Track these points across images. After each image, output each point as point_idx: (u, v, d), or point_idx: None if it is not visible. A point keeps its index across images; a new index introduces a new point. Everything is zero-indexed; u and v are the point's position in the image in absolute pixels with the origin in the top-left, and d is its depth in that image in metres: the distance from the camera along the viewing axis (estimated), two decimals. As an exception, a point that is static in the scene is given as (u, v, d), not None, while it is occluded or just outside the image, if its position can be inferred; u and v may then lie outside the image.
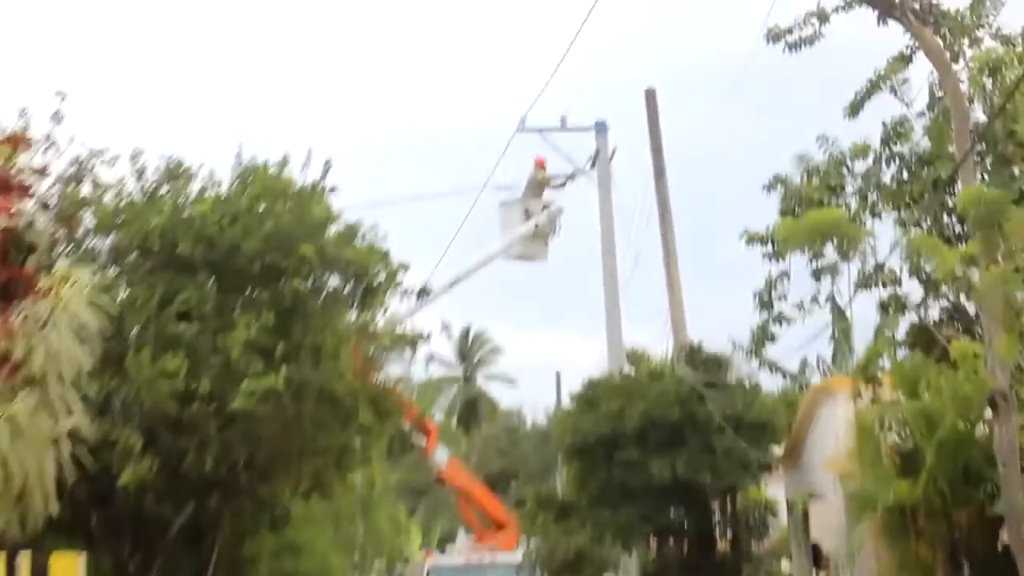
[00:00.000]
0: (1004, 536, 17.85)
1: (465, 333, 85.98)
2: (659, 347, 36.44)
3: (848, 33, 22.24)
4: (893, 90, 21.72)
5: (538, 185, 39.94)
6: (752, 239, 22.91)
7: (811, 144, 23.40)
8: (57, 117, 21.45)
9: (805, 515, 32.98)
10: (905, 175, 22.72)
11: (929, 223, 21.95)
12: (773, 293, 23.13)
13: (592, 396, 32.97)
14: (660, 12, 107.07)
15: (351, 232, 23.82)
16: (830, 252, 21.42)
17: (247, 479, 23.17)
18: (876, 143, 22.86)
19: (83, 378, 18.14)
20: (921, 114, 22.35)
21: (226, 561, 24.47)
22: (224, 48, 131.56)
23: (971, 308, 20.77)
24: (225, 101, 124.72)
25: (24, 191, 6.99)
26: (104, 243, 22.95)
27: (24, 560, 16.76)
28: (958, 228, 21.20)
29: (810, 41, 20.77)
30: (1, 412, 16.27)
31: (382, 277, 24.35)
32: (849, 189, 23.16)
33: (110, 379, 20.59)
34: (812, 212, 21.23)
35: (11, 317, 10.11)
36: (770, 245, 22.69)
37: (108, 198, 23.12)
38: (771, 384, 32.39)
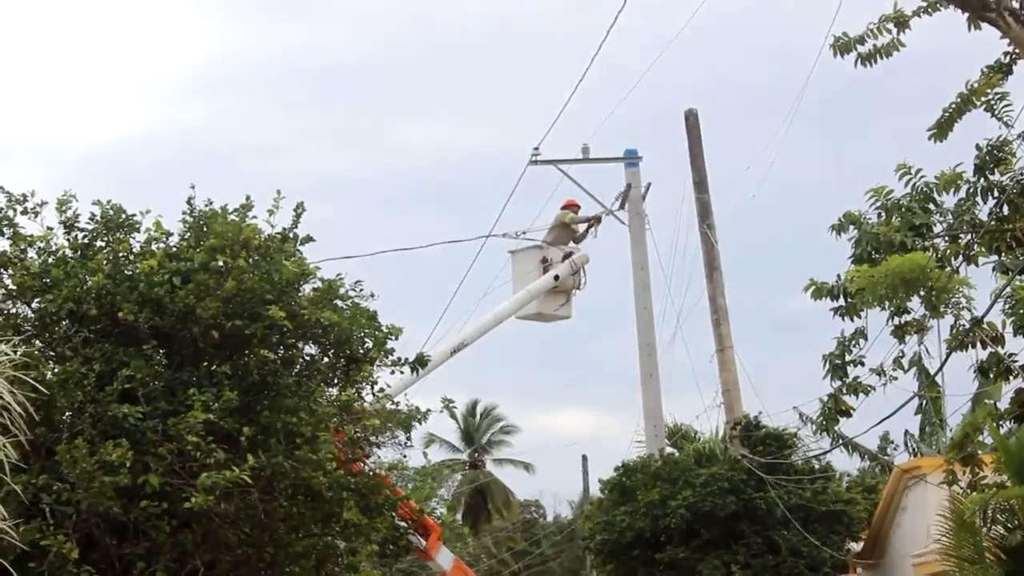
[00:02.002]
0: None
1: (471, 409, 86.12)
2: (707, 423, 36.46)
3: (929, 41, 22.18)
4: (989, 107, 21.56)
5: (564, 230, 39.79)
6: (819, 291, 22.74)
7: (889, 175, 23.28)
8: None
9: (890, 627, 32.83)
10: (1006, 210, 22.57)
11: (1038, 269, 21.81)
12: (847, 356, 22.94)
13: (627, 484, 33.02)
14: (694, 27, 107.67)
15: (330, 290, 23.80)
16: (916, 306, 21.33)
17: (208, 594, 23.06)
18: (969, 171, 22.71)
19: (6, 473, 17.98)
20: (1024, 135, 22.21)
21: None
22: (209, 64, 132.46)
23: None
24: (190, 129, 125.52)
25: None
26: (28, 309, 22.89)
27: None
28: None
29: (887, 51, 20.68)
30: (-94, 516, 16.16)
31: (369, 344, 24.33)
32: (937, 228, 23.02)
33: (39, 474, 20.49)
34: (893, 257, 21.08)
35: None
36: (842, 298, 22.52)
37: (32, 255, 23.08)
38: (846, 466, 32.31)
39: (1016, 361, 21.87)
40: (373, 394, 25.31)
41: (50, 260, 23.04)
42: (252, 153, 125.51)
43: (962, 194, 22.85)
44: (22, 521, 18.93)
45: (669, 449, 35.29)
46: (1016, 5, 19.69)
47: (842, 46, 20.90)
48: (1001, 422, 21.54)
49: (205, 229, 23.07)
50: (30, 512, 19.93)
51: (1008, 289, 21.04)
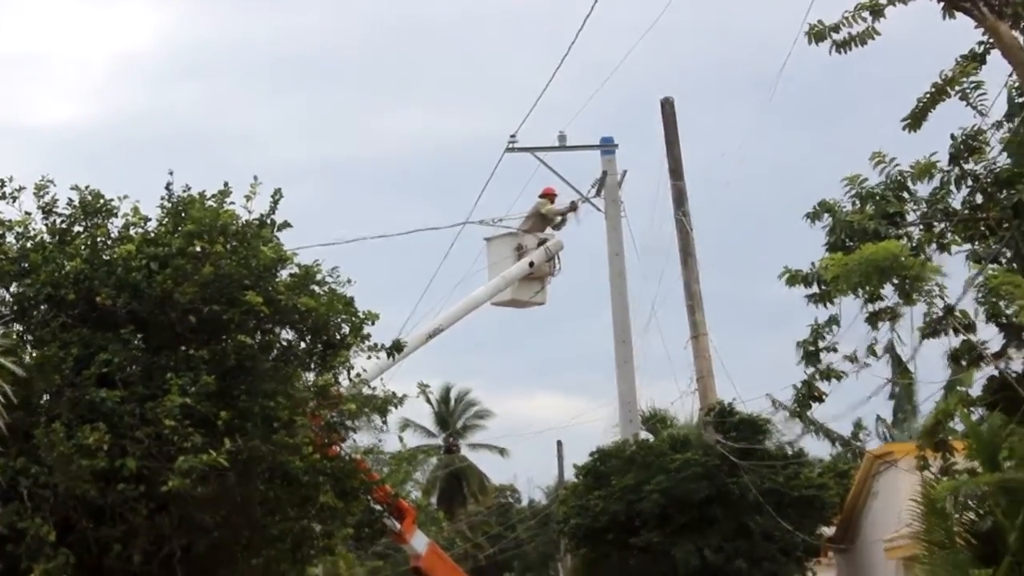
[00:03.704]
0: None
1: (446, 394, 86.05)
2: (682, 409, 36.53)
3: (903, 30, 22.20)
4: (963, 96, 21.61)
5: (541, 219, 39.84)
6: (794, 279, 22.78)
7: (863, 164, 23.32)
8: None
9: (862, 610, 32.94)
10: (979, 199, 22.64)
11: (1009, 256, 21.85)
12: (820, 343, 23.00)
13: (601, 469, 33.07)
14: (672, 14, 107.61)
15: (307, 276, 23.82)
16: (889, 293, 21.38)
17: (184, 575, 23.07)
18: (943, 161, 22.77)
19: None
20: (998, 125, 22.24)
21: None
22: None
23: (1062, 360, 20.68)
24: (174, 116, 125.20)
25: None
26: (6, 294, 22.88)
27: None
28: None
29: (862, 39, 20.71)
30: None
31: (345, 329, 24.40)
32: (911, 217, 23.07)
33: (17, 457, 20.52)
34: (867, 246, 21.11)
35: None
36: (816, 285, 22.57)
37: (10, 240, 23.07)
38: (819, 451, 32.40)
39: (987, 349, 21.94)
40: (350, 379, 25.37)
41: (28, 245, 23.06)
42: (231, 139, 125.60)
43: (936, 183, 22.91)
44: (1, 504, 18.94)
45: (644, 435, 35.34)
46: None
47: (817, 34, 20.92)
48: (972, 409, 21.60)
49: (183, 215, 23.08)
50: (7, 495, 19.97)
51: (980, 278, 21.10)
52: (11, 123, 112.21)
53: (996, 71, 21.31)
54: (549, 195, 40.16)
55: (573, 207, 40.46)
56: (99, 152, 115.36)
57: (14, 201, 23.43)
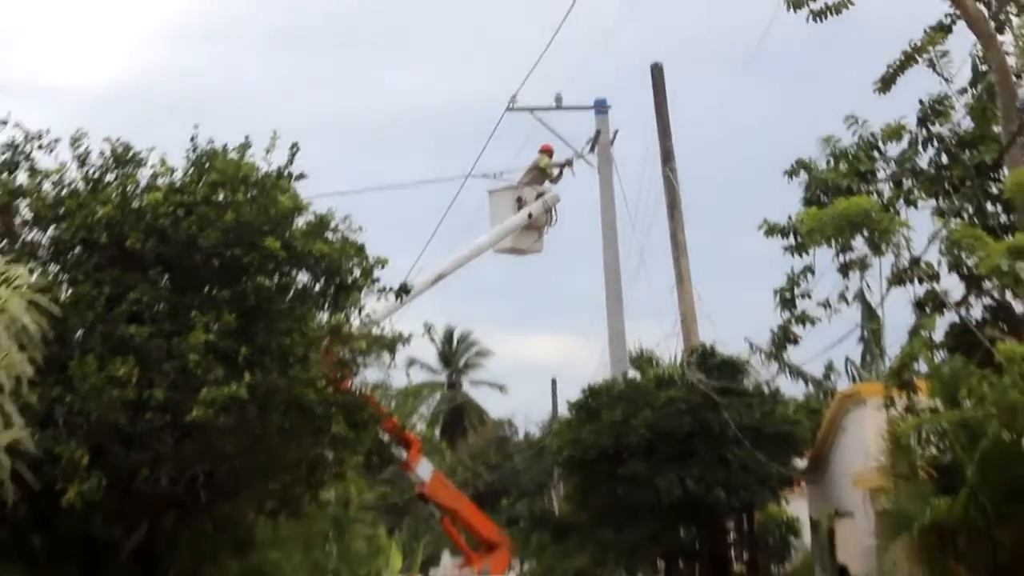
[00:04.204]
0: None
1: (449, 335, 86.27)
2: (667, 350, 36.59)
3: (878, 1, 22.13)
4: (931, 64, 21.62)
5: (539, 172, 39.87)
6: (772, 231, 22.82)
7: (838, 125, 23.31)
8: None
9: (831, 535, 33.01)
10: (944, 159, 22.66)
11: (971, 212, 21.88)
12: (795, 290, 23.06)
13: (592, 405, 33.09)
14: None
15: (322, 224, 23.79)
16: (860, 245, 21.40)
17: (207, 497, 23.12)
18: (912, 123, 22.77)
19: (23, 386, 18.02)
20: (963, 91, 22.26)
21: (184, 591, 24.52)
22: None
23: (1018, 306, 20.69)
24: (187, 78, 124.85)
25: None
26: (44, 237, 22.88)
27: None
28: (1004, 217, 21.12)
29: (837, 9, 20.68)
30: (-70, 425, 16.20)
31: (357, 273, 24.36)
32: (881, 175, 23.10)
33: (53, 387, 20.53)
34: (840, 201, 21.15)
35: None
36: (792, 237, 22.60)
37: (47, 187, 23.06)
38: (793, 391, 32.45)
39: (950, 297, 21.98)
40: (360, 319, 25.38)
41: (64, 192, 23.02)
42: (249, 96, 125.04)
43: (905, 144, 22.93)
44: (37, 430, 18.98)
45: (631, 373, 35.36)
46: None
47: (795, 2, 20.89)
48: (935, 352, 21.65)
49: (207, 166, 23.04)
50: (44, 422, 19.97)
51: (944, 231, 21.13)
52: (51, 83, 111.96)
53: (961, 41, 21.30)
54: (547, 151, 40.17)
55: (569, 163, 40.47)
56: (130, 110, 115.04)
57: (51, 151, 23.42)
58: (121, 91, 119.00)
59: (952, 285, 22.06)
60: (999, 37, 20.00)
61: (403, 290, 27.09)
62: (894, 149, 23.04)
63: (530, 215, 39.62)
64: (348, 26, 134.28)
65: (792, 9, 20.85)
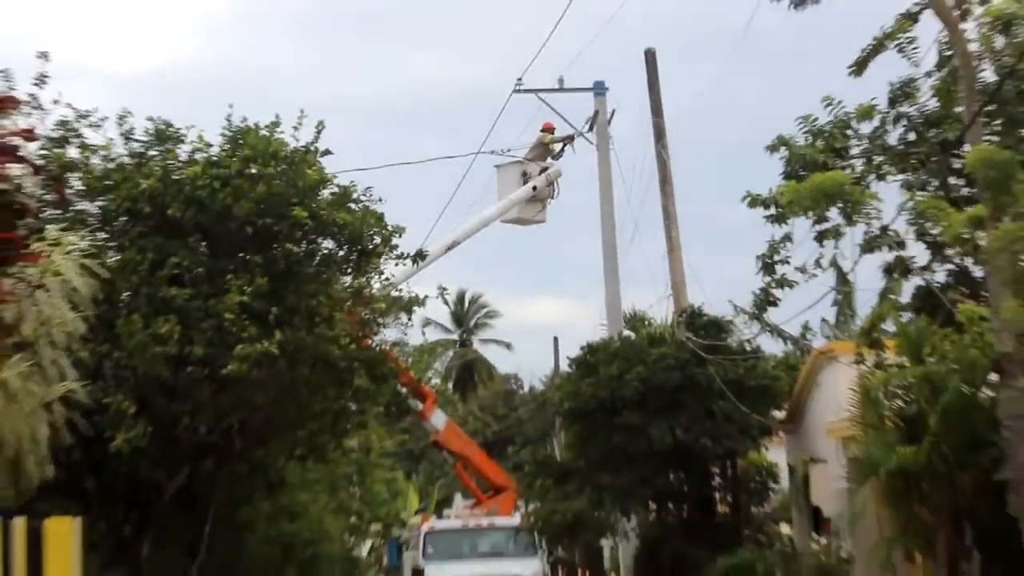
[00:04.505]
0: (1009, 501, 17.82)
1: (461, 297, 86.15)
2: (658, 311, 36.50)
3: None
4: (900, 49, 21.53)
5: (543, 148, 39.89)
6: (754, 202, 22.78)
7: (816, 105, 23.29)
8: (41, 79, 21.32)
9: (806, 479, 33.01)
10: (912, 137, 22.61)
11: (936, 186, 21.85)
12: (775, 256, 23.00)
13: (591, 361, 33.03)
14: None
15: (345, 195, 23.86)
16: (834, 215, 21.36)
17: (242, 444, 23.29)
18: (882, 104, 22.74)
19: (75, 343, 18.10)
20: (929, 74, 22.18)
21: (221, 525, 24.61)
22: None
23: (978, 271, 20.69)
24: (214, 56, 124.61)
25: (12, 153, 6.90)
26: (93, 207, 22.93)
27: (19, 525, 16.75)
28: (965, 191, 21.09)
29: (815, -1, 20.63)
30: (-8, 377, 16.26)
31: (377, 240, 24.43)
32: (854, 151, 23.05)
33: (102, 344, 20.65)
34: (816, 175, 21.12)
35: (2, 281, 10.02)
36: (773, 208, 22.56)
37: (96, 161, 23.11)
38: (773, 348, 32.39)
39: (915, 263, 21.98)
40: (380, 282, 25.42)
41: (110, 166, 23.09)
42: (279, 79, 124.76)
43: (876, 123, 22.90)
44: (89, 383, 19.06)
45: (626, 333, 35.24)
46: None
47: (776, -9, 20.85)
48: (902, 313, 21.65)
49: (241, 142, 23.09)
50: (95, 375, 20.08)
51: (911, 203, 21.12)
52: (100, 68, 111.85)
53: (928, 28, 21.25)
54: (549, 129, 40.12)
55: (569, 140, 40.42)
56: (173, 93, 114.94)
57: (99, 129, 23.48)
58: (165, 76, 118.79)
59: (918, 252, 22.05)
60: (962, 24, 19.94)
61: (419, 256, 27.19)
62: (866, 127, 22.99)
63: (534, 188, 39.62)
64: (369, 15, 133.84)
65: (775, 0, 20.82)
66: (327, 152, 23.93)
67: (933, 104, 22.27)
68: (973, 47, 19.86)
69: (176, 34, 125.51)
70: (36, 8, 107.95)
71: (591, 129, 40.30)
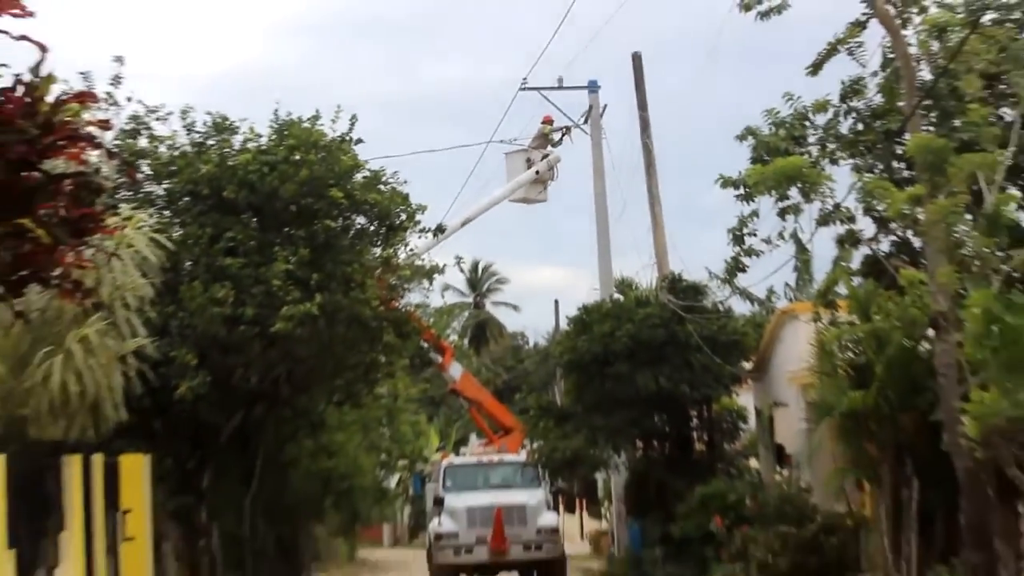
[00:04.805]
0: (944, 439, 17.91)
1: (475, 266, 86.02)
2: (644, 277, 36.52)
3: (812, 3, 22.10)
4: (850, 52, 21.51)
5: (544, 138, 40.01)
6: (726, 183, 22.78)
7: (778, 100, 23.31)
8: (116, 79, 21.43)
9: (771, 421, 33.09)
10: (860, 127, 22.60)
11: (881, 169, 21.86)
12: (744, 230, 22.99)
13: (586, 320, 33.06)
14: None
15: (375, 178, 23.90)
16: (794, 194, 21.37)
17: (287, 391, 23.38)
18: (835, 99, 22.75)
19: (145, 305, 18.23)
20: (874, 74, 22.16)
21: (270, 461, 24.74)
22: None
23: (917, 242, 20.72)
24: (264, 62, 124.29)
25: (91, 142, 6.95)
26: (160, 189, 23.01)
27: (97, 461, 16.91)
28: (906, 173, 21.10)
29: (778, 10, 20.61)
30: (75, 334, 16.35)
31: (402, 217, 24.46)
32: (811, 139, 23.02)
33: (168, 306, 20.74)
34: (779, 159, 21.13)
35: (83, 250, 10.04)
36: (742, 188, 22.56)
37: (162, 150, 23.19)
38: (742, 309, 32.38)
39: (864, 235, 22.01)
40: (405, 253, 25.50)
41: (175, 153, 23.14)
42: (317, 80, 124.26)
43: (829, 115, 22.90)
44: (157, 339, 19.17)
45: (616, 296, 35.25)
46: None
47: (746, 5, 20.82)
48: (852, 278, 21.68)
49: (286, 133, 23.12)
50: (162, 332, 20.17)
51: (859, 183, 21.15)
52: (168, 71, 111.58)
53: (874, 34, 21.25)
54: (549, 121, 40.11)
55: (567, 131, 40.43)
56: (228, 92, 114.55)
57: (165, 122, 23.55)
58: (222, 78, 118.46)
59: (866, 226, 22.02)
60: (903, 31, 19.95)
61: (438, 230, 27.34)
62: (821, 119, 22.97)
63: (537, 172, 39.70)
64: (392, 26, 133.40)
65: (743, 11, 20.81)
66: (359, 141, 24.01)
67: (878, 99, 22.25)
68: (912, 51, 19.87)
69: (234, 44, 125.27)
70: (118, 17, 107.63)
71: (586, 121, 40.26)
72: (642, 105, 37.94)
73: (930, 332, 18.57)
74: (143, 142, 23.15)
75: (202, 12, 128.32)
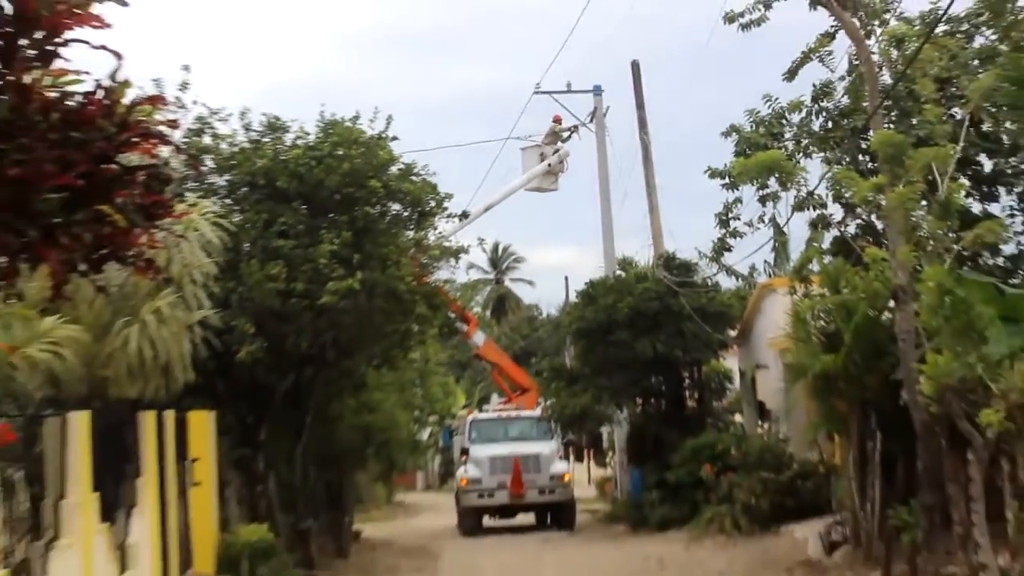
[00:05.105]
0: (903, 396, 17.94)
1: (496, 247, 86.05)
2: (642, 256, 36.58)
3: (788, 16, 22.08)
4: (821, 60, 21.54)
5: (554, 135, 40.07)
6: (714, 174, 22.81)
7: (759, 101, 23.30)
8: (184, 85, 21.45)
9: (753, 381, 33.20)
10: (830, 125, 22.61)
11: (848, 161, 21.86)
12: (729, 214, 23.04)
13: (592, 294, 33.17)
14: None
15: (408, 170, 23.86)
16: (773, 183, 21.40)
17: (333, 356, 23.40)
18: (808, 100, 22.73)
19: (209, 280, 18.27)
20: (842, 78, 22.18)
21: (318, 417, 24.79)
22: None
23: (879, 225, 20.73)
24: (324, 73, 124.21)
25: (161, 138, 6.97)
26: (221, 180, 23.04)
27: (169, 416, 17.01)
28: (870, 164, 21.10)
29: (758, 23, 20.60)
30: (149, 306, 16.43)
31: (432, 204, 24.42)
32: (787, 136, 23.05)
33: (229, 282, 20.73)
34: (759, 153, 21.17)
35: (155, 233, 10.05)
36: (727, 178, 22.59)
37: (224, 146, 23.19)
38: (727, 283, 32.46)
39: (833, 218, 22.03)
40: (435, 236, 25.48)
41: (234, 150, 23.14)
42: (358, 85, 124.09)
43: (803, 114, 22.88)
44: (219, 310, 19.22)
45: (618, 272, 35.33)
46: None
47: (729, 18, 20.82)
48: (824, 256, 21.70)
49: (331, 131, 23.08)
50: (224, 305, 20.18)
51: (829, 174, 21.15)
52: (228, 79, 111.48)
53: (842, 44, 21.23)
54: (558, 121, 40.15)
55: (575, 129, 40.43)
56: (281, 98, 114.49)
57: (225, 122, 23.55)
58: (276, 85, 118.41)
59: (835, 211, 22.09)
60: (867, 41, 19.93)
61: (463, 216, 27.31)
62: (796, 118, 23.00)
63: (549, 165, 39.74)
64: (420, 38, 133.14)
65: (727, 23, 20.81)
66: (394, 138, 23.91)
67: (845, 100, 22.27)
68: (875, 58, 19.86)
69: (288, 56, 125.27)
70: (185, 32, 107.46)
71: (591, 121, 40.27)
72: (640, 105, 37.98)
73: (891, 303, 18.61)
74: (207, 139, 23.13)
75: (262, 29, 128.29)
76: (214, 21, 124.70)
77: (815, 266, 21.35)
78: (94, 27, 4.31)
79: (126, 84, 4.69)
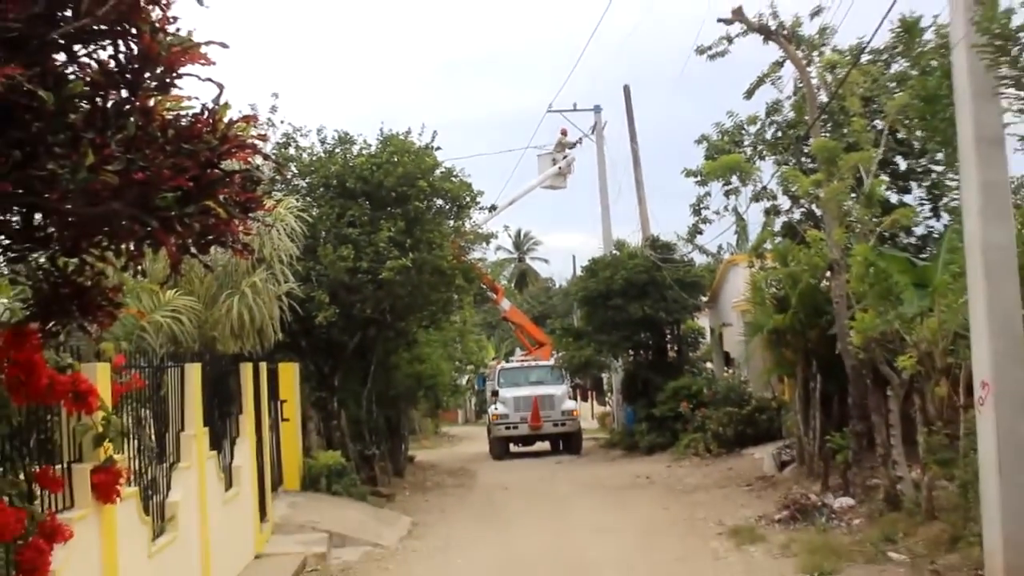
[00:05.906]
0: (837, 346, 17.95)
1: (518, 232, 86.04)
2: (633, 239, 36.55)
3: (746, 49, 21.96)
4: (772, 83, 21.49)
5: (562, 145, 40.01)
6: (689, 173, 22.83)
7: (724, 116, 23.26)
8: (273, 107, 21.57)
9: (720, 336, 33.18)
10: (779, 134, 22.56)
11: (794, 162, 21.81)
12: (700, 205, 23.08)
13: (594, 268, 33.17)
14: (639, 24, 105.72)
15: (449, 173, 23.92)
16: (735, 181, 21.39)
17: (391, 319, 23.48)
18: (762, 115, 22.68)
19: (293, 260, 18.32)
20: (789, 97, 22.11)
21: (380, 367, 24.91)
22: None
23: (818, 212, 20.71)
24: (384, 103, 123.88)
25: (254, 149, 7.08)
26: (303, 182, 23.13)
27: (263, 367, 17.14)
28: (811, 165, 21.06)
29: (723, 54, 20.55)
30: (247, 281, 16.53)
31: (467, 200, 24.47)
32: (746, 142, 23.02)
33: (308, 261, 20.84)
34: (724, 156, 21.13)
35: (250, 223, 10.15)
36: (699, 176, 22.58)
37: (304, 156, 23.27)
38: (700, 259, 32.45)
39: (783, 208, 22.01)
40: (470, 224, 25.54)
41: (313, 158, 23.22)
42: (410, 105, 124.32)
43: (758, 126, 22.81)
44: (301, 284, 19.29)
45: (614, 251, 35.34)
46: (785, 33, 19.57)
47: (700, 50, 20.76)
48: (775, 238, 21.68)
49: (388, 143, 23.15)
50: (305, 280, 20.27)
51: (779, 172, 21.10)
52: (312, 104, 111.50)
53: (789, 70, 21.13)
54: (564, 133, 40.16)
55: (579, 140, 40.42)
56: (350, 115, 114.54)
57: (305, 136, 23.65)
58: (345, 106, 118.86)
59: (784, 201, 22.08)
60: (808, 68, 19.84)
61: (492, 208, 27.32)
62: (753, 128, 22.96)
63: (559, 168, 39.75)
64: (451, 62, 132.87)
65: (699, 54, 20.76)
66: (438, 148, 23.99)
67: (791, 115, 22.19)
68: (814, 81, 19.77)
69: (355, 86, 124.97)
70: (276, 66, 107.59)
71: (592, 133, 40.20)
72: (630, 119, 37.90)
73: (828, 274, 18.58)
74: (291, 150, 23.26)
75: (334, 65, 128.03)
76: (292, 60, 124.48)
77: (768, 245, 21.36)
78: (201, 64, 4.44)
79: (226, 107, 4.78)
